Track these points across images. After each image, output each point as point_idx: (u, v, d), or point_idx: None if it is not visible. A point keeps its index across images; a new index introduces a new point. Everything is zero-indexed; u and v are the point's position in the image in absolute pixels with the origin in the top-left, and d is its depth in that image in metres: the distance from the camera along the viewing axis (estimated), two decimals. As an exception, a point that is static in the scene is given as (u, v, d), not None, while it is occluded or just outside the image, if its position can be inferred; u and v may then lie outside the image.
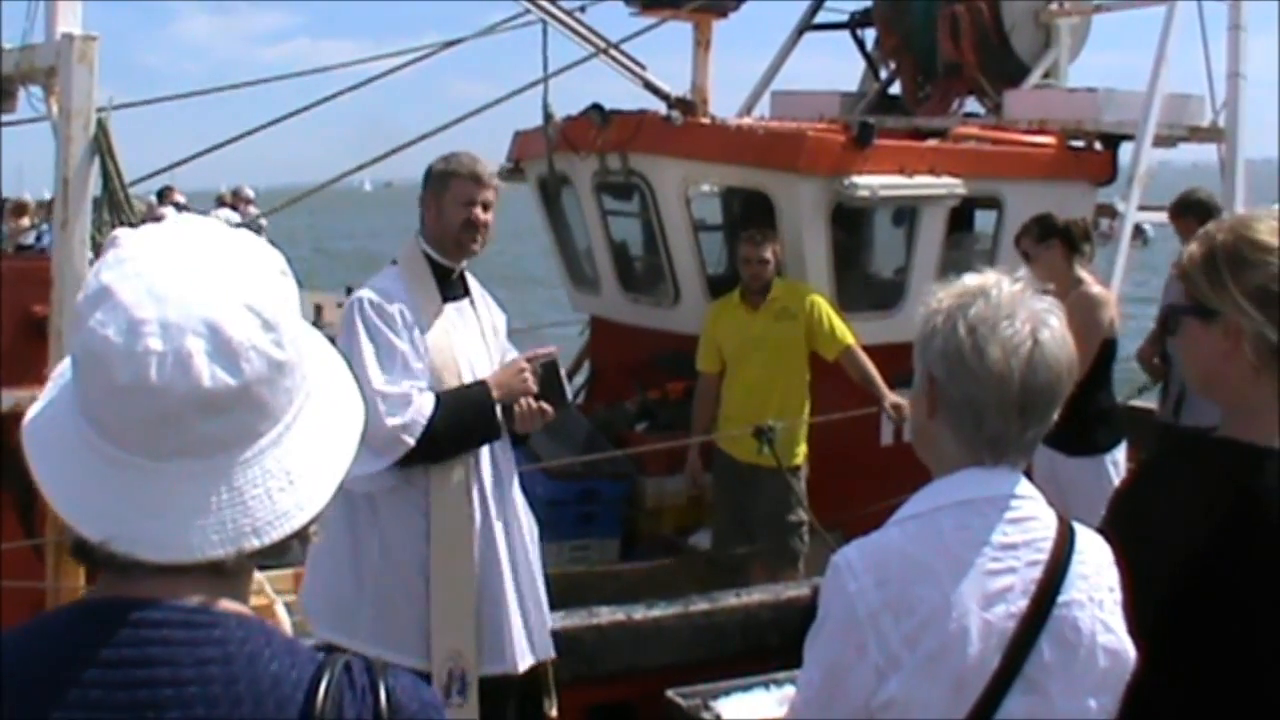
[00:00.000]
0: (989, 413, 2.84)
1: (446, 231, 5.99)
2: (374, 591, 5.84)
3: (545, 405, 5.95)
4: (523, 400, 5.92)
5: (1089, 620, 2.84)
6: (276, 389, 1.84)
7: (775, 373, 9.36)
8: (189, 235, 1.89)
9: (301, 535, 1.90)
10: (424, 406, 5.68)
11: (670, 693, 6.34)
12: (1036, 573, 2.82)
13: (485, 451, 5.95)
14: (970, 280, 2.94)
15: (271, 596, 1.82)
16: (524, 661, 5.95)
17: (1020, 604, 2.79)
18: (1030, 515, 2.87)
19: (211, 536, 1.81)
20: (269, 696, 1.78)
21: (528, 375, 5.91)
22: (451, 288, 6.07)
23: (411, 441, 5.65)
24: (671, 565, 9.43)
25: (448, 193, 5.97)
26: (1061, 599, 2.82)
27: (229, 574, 1.86)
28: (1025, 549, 2.83)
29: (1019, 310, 2.86)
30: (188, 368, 1.75)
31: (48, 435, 1.88)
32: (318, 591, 5.98)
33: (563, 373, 6.19)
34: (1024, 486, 2.91)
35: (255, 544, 1.83)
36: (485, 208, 5.99)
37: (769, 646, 7.17)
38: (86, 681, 1.75)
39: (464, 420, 5.81)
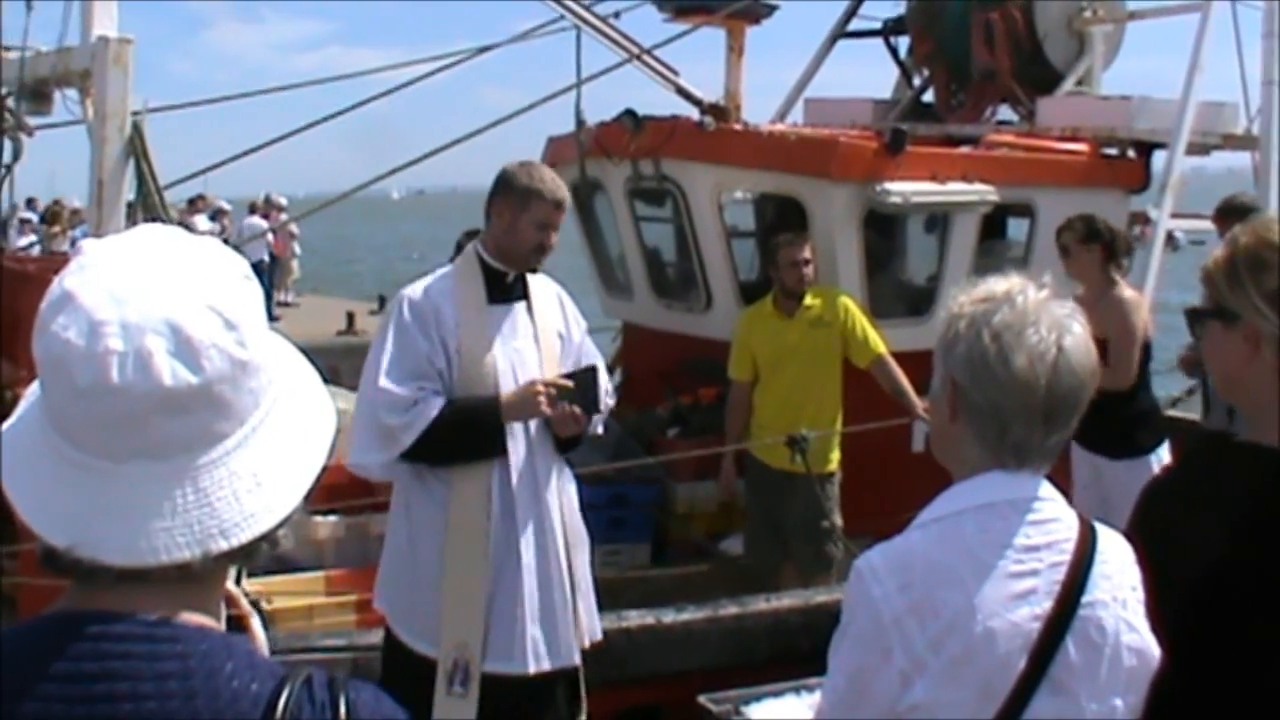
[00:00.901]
0: (1014, 420, 2.84)
1: (517, 247, 6.01)
2: (406, 578, 5.95)
3: (577, 410, 5.95)
4: (558, 404, 5.92)
5: (1113, 620, 2.84)
6: (240, 389, 1.83)
7: (809, 381, 9.36)
8: (151, 241, 1.89)
9: (270, 539, 1.88)
10: (426, 411, 5.74)
11: (702, 698, 6.33)
12: (1060, 574, 2.81)
13: (519, 449, 5.96)
14: (993, 285, 2.94)
15: (247, 609, 1.79)
16: (534, 665, 5.92)
17: (1045, 605, 2.79)
18: (1052, 517, 2.87)
19: (177, 538, 1.79)
20: (227, 711, 1.76)
21: (541, 398, 5.87)
22: (504, 291, 6.08)
23: (407, 443, 5.73)
24: (702, 570, 9.43)
25: (527, 212, 5.96)
26: (1085, 599, 2.82)
27: (196, 580, 1.84)
28: (1048, 550, 2.83)
29: (1044, 317, 2.85)
30: (148, 367, 1.75)
31: (16, 445, 1.88)
32: (381, 569, 6.17)
33: (602, 381, 6.19)
34: (1045, 489, 2.91)
35: (222, 546, 1.81)
36: (555, 230, 6.06)
37: (799, 652, 7.14)
38: (46, 696, 1.74)
39: (463, 433, 5.84)
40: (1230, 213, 10.05)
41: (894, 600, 2.78)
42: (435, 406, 5.75)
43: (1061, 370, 2.82)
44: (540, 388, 5.89)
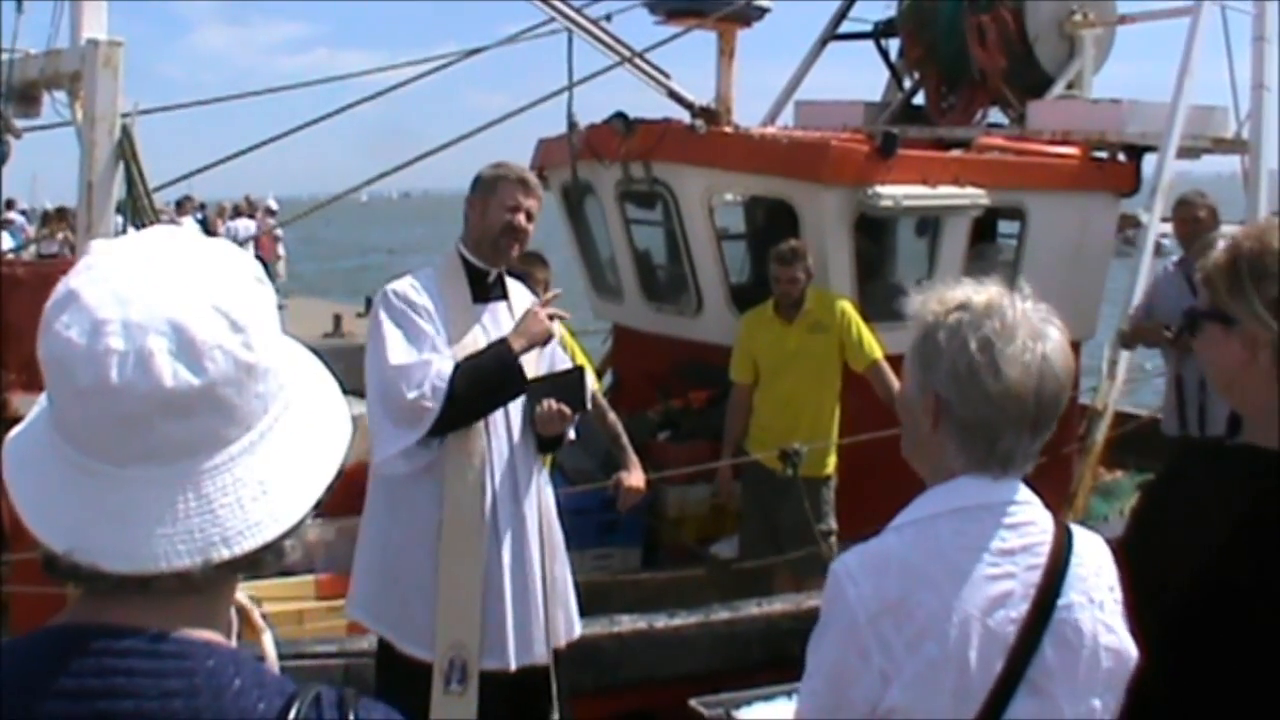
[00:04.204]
0: (1004, 431, 2.85)
1: (487, 234, 6.06)
2: (396, 582, 5.94)
3: (564, 408, 5.97)
4: (543, 402, 5.96)
5: (1090, 621, 2.85)
6: (246, 393, 1.78)
7: (809, 385, 9.41)
8: (160, 242, 1.85)
9: (275, 548, 1.83)
10: (443, 370, 5.71)
11: (693, 702, 6.32)
12: (1035, 576, 2.82)
13: (503, 448, 5.99)
14: (968, 292, 2.92)
15: (260, 625, 1.73)
16: (515, 660, 5.96)
17: (1021, 608, 2.80)
18: (1027, 520, 2.88)
19: (178, 546, 1.74)
20: None
21: (544, 320, 5.96)
22: (486, 290, 6.12)
23: (433, 406, 5.68)
24: (693, 574, 9.42)
25: (494, 196, 6.04)
26: (1062, 602, 2.83)
27: (199, 590, 1.79)
28: (1023, 554, 2.84)
29: (1026, 326, 2.85)
30: (148, 367, 1.71)
31: (24, 448, 1.85)
32: (357, 578, 6.13)
33: (588, 379, 6.21)
34: (1021, 492, 2.92)
35: (224, 554, 1.76)
36: (529, 216, 6.07)
37: (790, 656, 7.10)
38: (49, 713, 1.70)
39: (486, 374, 5.83)
40: (1176, 205, 10.26)
41: (869, 602, 2.79)
42: (448, 365, 5.74)
43: (1047, 378, 2.83)
44: (539, 310, 5.99)
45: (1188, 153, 11.97)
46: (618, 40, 10.40)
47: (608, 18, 10.84)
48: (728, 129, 11.10)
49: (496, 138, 10.75)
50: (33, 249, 19.19)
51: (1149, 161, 11.52)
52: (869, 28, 13.96)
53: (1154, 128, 11.39)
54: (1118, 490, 11.50)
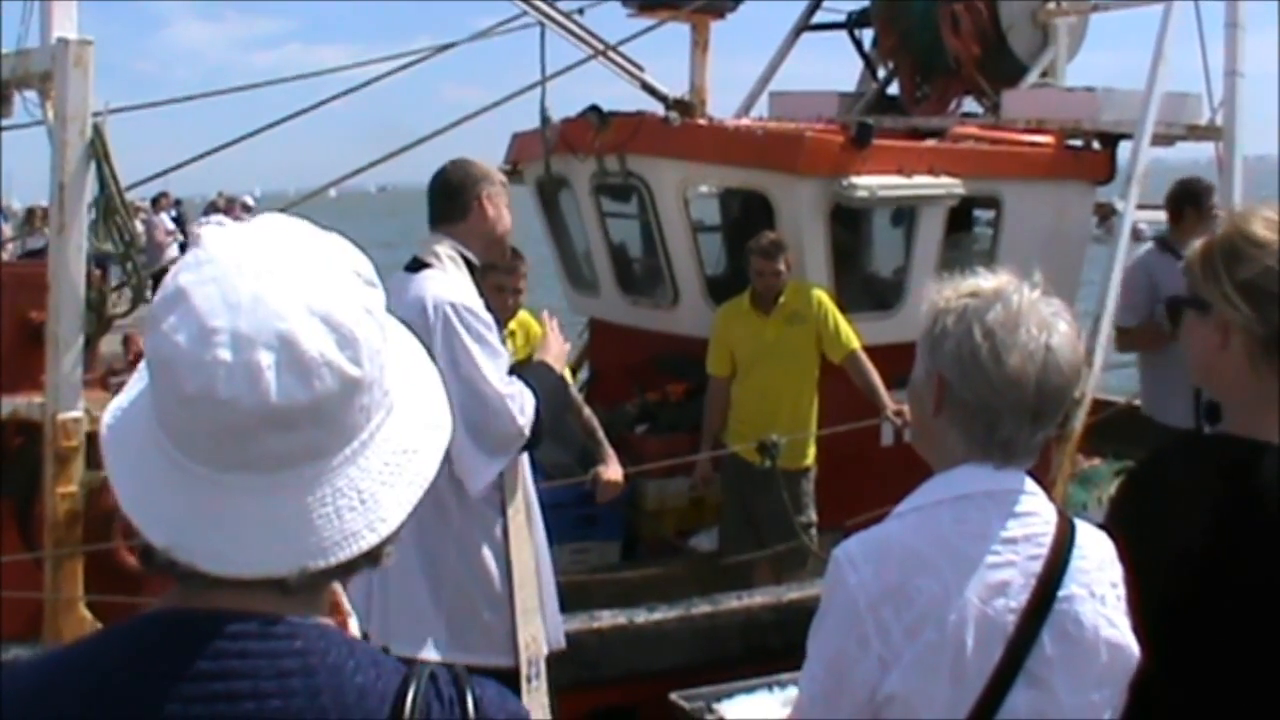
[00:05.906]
0: (1003, 418, 2.86)
1: (504, 235, 6.14)
2: (452, 598, 5.86)
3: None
4: None
5: (1090, 614, 2.86)
6: (350, 406, 1.77)
7: (786, 377, 9.45)
8: (273, 239, 1.83)
9: (373, 556, 1.83)
10: (529, 399, 5.76)
11: (673, 696, 6.32)
12: (1037, 566, 2.83)
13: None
14: (979, 281, 2.95)
15: (348, 610, 1.73)
16: (561, 637, 6.13)
17: (1021, 598, 2.81)
18: (1030, 510, 2.89)
19: (273, 554, 1.75)
20: (355, 709, 1.73)
21: (564, 342, 6.20)
22: (479, 288, 6.12)
23: (528, 434, 5.74)
24: (672, 567, 9.42)
25: (503, 198, 6.10)
26: (1062, 593, 2.83)
27: (296, 591, 1.79)
28: (1025, 543, 2.84)
29: (1033, 315, 2.86)
30: (256, 381, 1.69)
31: (124, 434, 1.83)
32: (389, 608, 5.89)
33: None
34: (1025, 483, 2.93)
35: (320, 564, 1.77)
36: None
37: (771, 648, 7.16)
38: (162, 696, 1.70)
39: (553, 401, 5.96)
40: (1182, 198, 10.15)
41: (870, 587, 2.80)
42: (530, 393, 5.78)
43: (1050, 369, 2.84)
44: (553, 328, 6.20)
45: (1162, 140, 11.95)
46: (591, 34, 10.37)
47: (580, 11, 10.82)
48: (702, 121, 11.09)
49: (472, 131, 10.73)
50: (11, 247, 19.08)
51: (1124, 149, 11.51)
52: (842, 18, 13.93)
53: (1128, 115, 11.38)
54: (1096, 477, 11.52)
